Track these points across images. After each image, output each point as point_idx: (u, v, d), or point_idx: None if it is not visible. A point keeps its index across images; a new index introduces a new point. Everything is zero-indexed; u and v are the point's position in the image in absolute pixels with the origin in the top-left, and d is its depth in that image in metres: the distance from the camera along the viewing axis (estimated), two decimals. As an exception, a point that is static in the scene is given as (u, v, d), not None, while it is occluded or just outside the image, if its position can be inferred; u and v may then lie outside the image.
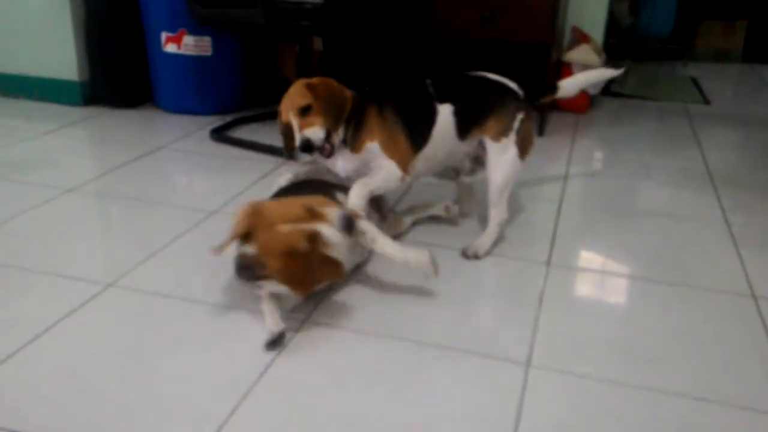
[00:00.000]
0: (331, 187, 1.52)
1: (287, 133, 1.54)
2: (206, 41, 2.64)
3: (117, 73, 2.76)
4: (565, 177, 2.19)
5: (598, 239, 1.77)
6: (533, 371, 1.20)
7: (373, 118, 1.52)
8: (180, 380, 1.15)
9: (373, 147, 1.51)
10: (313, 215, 1.26)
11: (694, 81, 3.74)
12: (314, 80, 1.51)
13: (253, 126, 2.65)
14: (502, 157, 1.59)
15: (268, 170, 2.17)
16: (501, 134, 1.58)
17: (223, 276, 1.50)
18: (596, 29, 3.07)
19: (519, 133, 1.59)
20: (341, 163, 1.54)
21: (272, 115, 2.75)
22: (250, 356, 1.21)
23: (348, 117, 1.52)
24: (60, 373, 1.16)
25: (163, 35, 2.62)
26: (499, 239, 1.66)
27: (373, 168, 1.52)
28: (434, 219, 1.81)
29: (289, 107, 1.51)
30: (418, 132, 1.56)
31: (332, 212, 1.28)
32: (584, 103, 2.98)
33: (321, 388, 1.15)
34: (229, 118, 2.65)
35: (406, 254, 1.35)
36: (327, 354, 1.24)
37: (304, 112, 1.48)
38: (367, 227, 1.36)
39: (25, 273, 1.49)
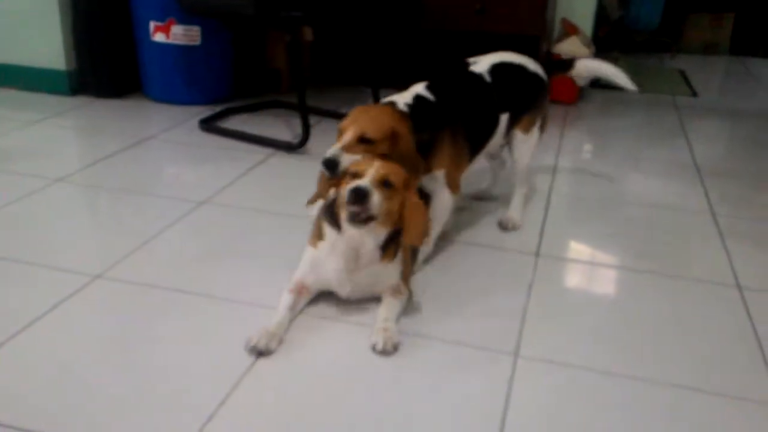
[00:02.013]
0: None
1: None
2: (195, 31, 2.61)
3: (105, 62, 2.73)
4: (554, 168, 2.20)
5: (586, 230, 1.79)
6: (521, 361, 1.21)
7: (447, 146, 1.47)
8: (169, 371, 1.15)
9: (439, 175, 1.49)
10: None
11: (682, 73, 3.77)
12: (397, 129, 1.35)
13: (243, 116, 2.64)
14: (528, 143, 1.70)
15: (257, 161, 2.16)
16: (531, 126, 1.69)
17: (213, 266, 1.50)
18: (585, 21, 3.08)
19: (543, 117, 1.72)
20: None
21: (262, 106, 2.75)
22: (240, 347, 1.21)
23: (420, 139, 1.41)
24: (48, 365, 1.15)
25: (152, 24, 2.60)
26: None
27: (429, 187, 1.52)
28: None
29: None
30: (479, 145, 1.60)
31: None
32: (573, 94, 3.00)
33: (310, 378, 1.15)
34: (218, 108, 2.64)
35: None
36: (316, 345, 1.24)
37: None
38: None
39: (12, 264, 1.48)
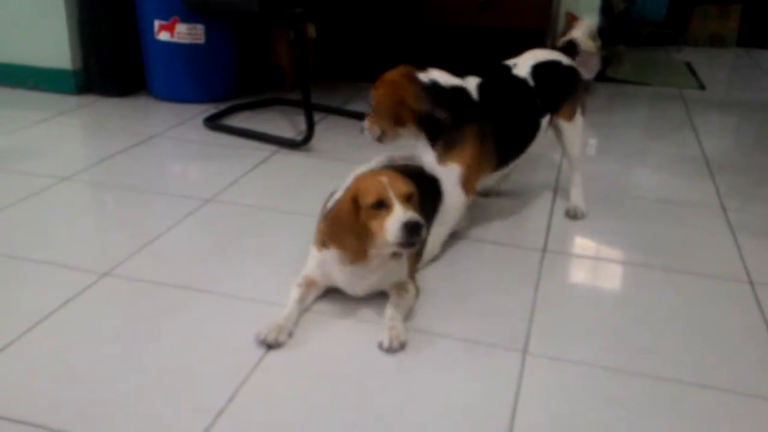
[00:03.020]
0: (423, 176, 1.51)
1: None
2: (199, 29, 2.61)
3: (110, 61, 2.74)
4: (560, 163, 2.19)
5: (593, 225, 1.78)
6: (530, 358, 1.21)
7: (469, 142, 1.47)
8: (177, 368, 1.15)
9: (453, 170, 1.49)
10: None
11: (689, 66, 3.74)
12: (388, 76, 1.50)
13: (247, 114, 2.63)
14: (575, 131, 1.74)
15: (261, 158, 2.16)
16: (573, 114, 1.73)
17: (219, 263, 1.50)
18: (590, 14, 3.05)
19: (582, 102, 1.76)
20: (427, 160, 1.52)
21: (266, 103, 2.75)
22: (247, 344, 1.21)
23: (446, 125, 1.47)
24: (57, 363, 1.16)
25: (156, 23, 2.60)
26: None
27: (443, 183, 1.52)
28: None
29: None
30: (513, 153, 1.60)
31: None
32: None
33: (317, 376, 1.15)
34: (223, 106, 2.64)
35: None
36: (323, 342, 1.24)
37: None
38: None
39: (20, 262, 1.48)
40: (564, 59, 1.70)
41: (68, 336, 1.23)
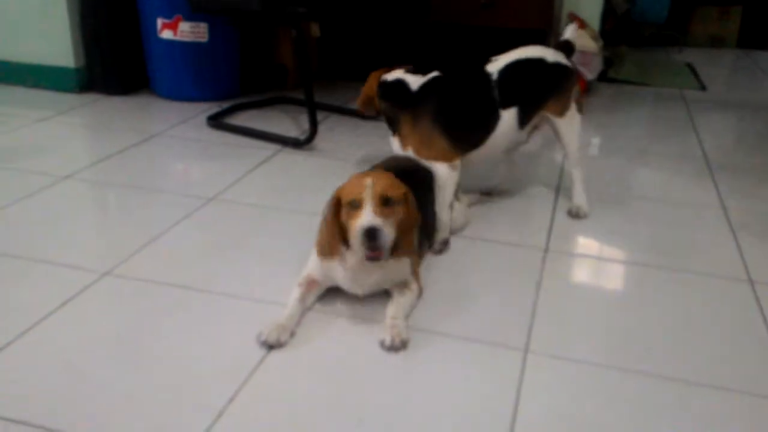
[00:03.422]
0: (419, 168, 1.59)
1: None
2: (202, 27, 2.61)
3: (113, 59, 2.74)
4: (562, 163, 2.19)
5: (595, 225, 1.78)
6: (531, 357, 1.21)
7: (409, 125, 1.59)
8: (178, 369, 1.15)
9: (409, 151, 1.60)
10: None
11: (690, 67, 3.74)
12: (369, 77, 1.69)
13: (250, 112, 2.64)
14: (571, 127, 1.75)
15: (264, 157, 2.16)
16: (564, 110, 1.72)
17: (221, 263, 1.50)
18: (592, 15, 3.06)
19: (577, 100, 1.75)
20: (395, 148, 1.66)
21: (269, 102, 2.75)
22: (249, 343, 1.21)
23: (395, 117, 1.64)
24: (57, 362, 1.16)
25: (159, 21, 2.60)
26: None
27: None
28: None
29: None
30: (468, 138, 1.62)
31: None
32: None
33: (319, 375, 1.15)
34: (225, 105, 2.64)
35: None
36: (324, 342, 1.24)
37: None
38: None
39: (21, 261, 1.48)
40: (550, 57, 1.70)
41: (68, 336, 1.23)
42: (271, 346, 1.19)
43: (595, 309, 1.39)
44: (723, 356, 1.24)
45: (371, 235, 1.18)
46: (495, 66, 1.66)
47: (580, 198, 1.81)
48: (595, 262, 1.61)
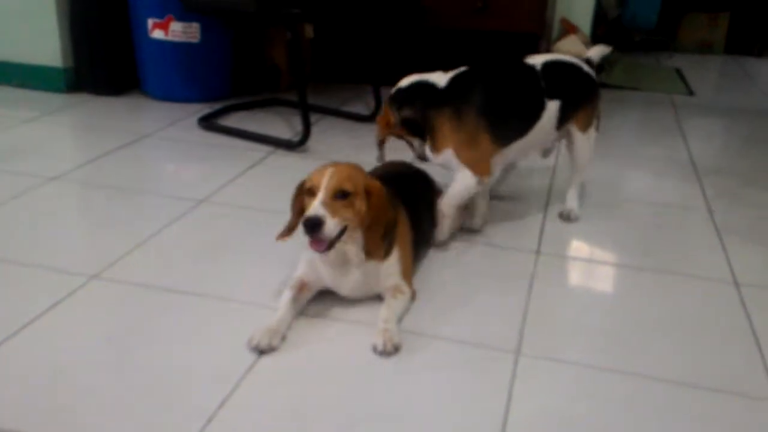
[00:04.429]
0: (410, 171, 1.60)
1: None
2: (195, 28, 2.60)
3: (102, 59, 2.72)
4: (554, 166, 2.21)
5: (585, 227, 1.79)
6: (523, 359, 1.22)
7: (446, 124, 1.50)
8: (167, 373, 1.14)
9: (447, 154, 1.52)
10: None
11: (679, 72, 3.78)
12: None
13: (242, 114, 2.63)
14: (587, 143, 1.75)
15: (256, 159, 2.16)
16: (588, 124, 1.73)
17: (212, 266, 1.50)
18: (584, 20, 3.09)
19: (598, 116, 1.76)
20: (430, 155, 1.58)
21: (261, 103, 2.75)
22: (239, 347, 1.20)
23: (426, 120, 1.53)
24: (44, 367, 1.14)
25: (150, 21, 2.58)
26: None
27: (453, 169, 1.55)
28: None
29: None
30: (514, 125, 1.58)
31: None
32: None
33: (311, 379, 1.15)
34: (217, 106, 2.63)
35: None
36: (316, 346, 1.24)
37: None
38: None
39: (7, 265, 1.46)
40: (585, 67, 1.71)
41: (55, 340, 1.21)
42: (261, 351, 1.19)
43: (585, 311, 1.40)
44: (710, 358, 1.26)
45: (310, 225, 1.18)
46: (535, 60, 1.63)
47: (572, 202, 1.82)
48: (586, 264, 1.62)
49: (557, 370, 1.20)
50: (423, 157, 1.61)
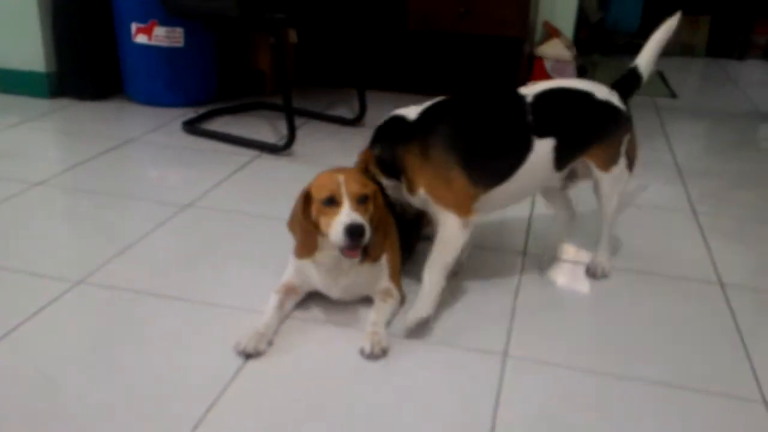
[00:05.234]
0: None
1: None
2: (178, 32, 2.59)
3: (86, 63, 2.69)
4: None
5: (573, 230, 1.80)
6: (510, 361, 1.22)
7: (416, 161, 1.29)
8: (154, 378, 1.13)
9: (422, 194, 1.30)
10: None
11: (661, 75, 3.82)
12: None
13: (227, 118, 2.62)
14: (615, 186, 1.47)
15: (241, 163, 2.14)
16: (611, 162, 1.44)
17: (197, 271, 1.48)
18: (566, 24, 3.11)
19: (627, 152, 1.47)
20: (408, 197, 1.36)
21: (245, 108, 2.74)
22: (226, 352, 1.19)
23: (395, 158, 1.32)
24: (29, 373, 1.13)
25: (133, 26, 2.57)
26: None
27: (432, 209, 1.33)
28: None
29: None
30: (493, 166, 1.34)
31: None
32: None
33: (298, 384, 1.14)
34: (202, 110, 2.62)
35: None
36: (305, 348, 1.23)
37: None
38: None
39: (-7, 269, 1.45)
40: (599, 93, 1.41)
41: (41, 346, 1.20)
42: (248, 355, 1.18)
43: (572, 313, 1.41)
44: (696, 358, 1.27)
45: (357, 233, 1.16)
46: (531, 89, 1.39)
47: (603, 257, 1.56)
48: (572, 266, 1.63)
49: (545, 372, 1.20)
50: (402, 204, 1.40)
